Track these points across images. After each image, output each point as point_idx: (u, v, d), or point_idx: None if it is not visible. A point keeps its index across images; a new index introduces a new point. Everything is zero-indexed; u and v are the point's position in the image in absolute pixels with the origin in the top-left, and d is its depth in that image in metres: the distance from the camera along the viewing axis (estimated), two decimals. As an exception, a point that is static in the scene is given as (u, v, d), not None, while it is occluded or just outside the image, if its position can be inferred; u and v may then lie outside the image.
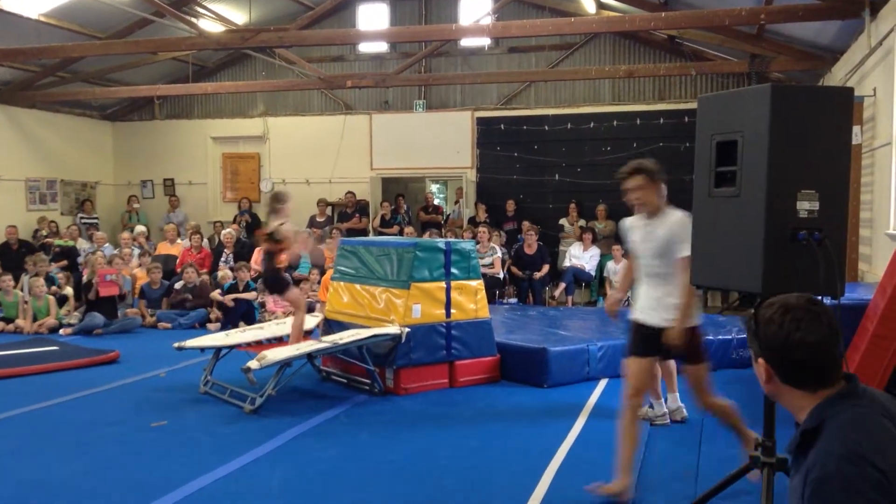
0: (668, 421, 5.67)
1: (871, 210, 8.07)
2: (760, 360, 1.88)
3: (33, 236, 13.52)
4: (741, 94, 3.75)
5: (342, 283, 7.65)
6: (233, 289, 10.62)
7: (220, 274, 11.20)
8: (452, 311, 6.99)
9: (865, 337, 5.03)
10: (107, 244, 12.87)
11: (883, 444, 1.66)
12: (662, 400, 5.70)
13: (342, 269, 7.76)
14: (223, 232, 13.04)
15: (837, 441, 1.69)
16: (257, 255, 12.32)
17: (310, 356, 6.49)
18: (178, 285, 10.96)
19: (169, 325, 10.40)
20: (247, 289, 10.59)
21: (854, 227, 8.29)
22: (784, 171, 3.36)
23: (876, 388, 4.91)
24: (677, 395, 5.79)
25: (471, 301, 7.12)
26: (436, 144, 14.60)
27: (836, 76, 10.03)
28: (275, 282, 7.06)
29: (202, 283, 10.93)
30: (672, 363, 5.81)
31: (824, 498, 1.63)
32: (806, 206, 3.37)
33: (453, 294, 7.01)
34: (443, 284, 6.98)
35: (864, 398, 1.81)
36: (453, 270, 7.05)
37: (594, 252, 12.27)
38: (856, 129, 8.01)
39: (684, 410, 5.75)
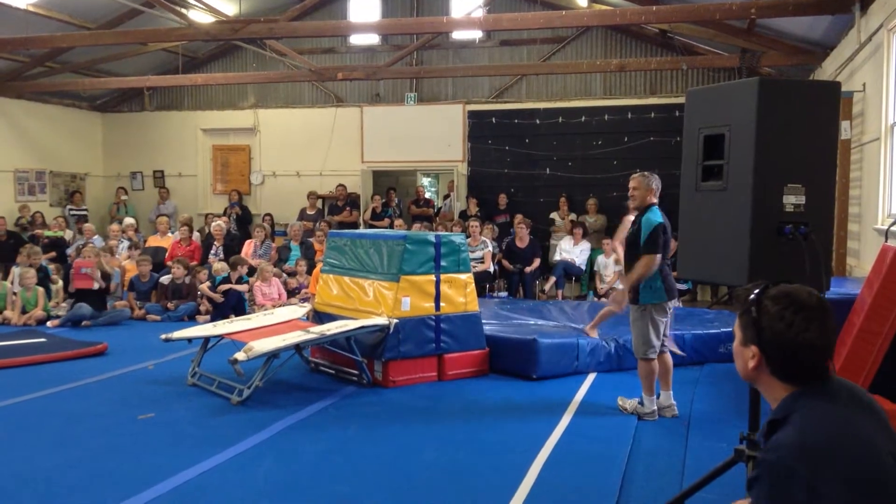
0: (657, 417, 5.66)
1: (859, 205, 8.09)
2: (754, 349, 1.86)
3: (16, 224, 13.45)
4: (729, 87, 3.75)
5: (332, 276, 7.64)
6: (225, 282, 10.58)
7: (214, 266, 11.14)
8: (442, 304, 6.98)
9: (852, 332, 5.04)
10: (96, 236, 12.80)
11: (837, 444, 1.67)
12: (655, 396, 5.68)
13: (332, 261, 7.75)
14: (213, 224, 12.99)
15: (794, 434, 1.70)
16: (247, 248, 12.30)
17: (298, 347, 6.47)
18: (164, 279, 10.88)
19: (158, 318, 10.35)
20: (239, 282, 10.55)
21: (843, 222, 8.31)
22: (771, 164, 3.36)
23: (862, 383, 4.91)
24: (671, 392, 5.77)
25: (460, 294, 7.11)
26: (427, 137, 14.58)
27: (826, 71, 10.05)
28: None
29: (191, 280, 10.84)
30: (669, 358, 5.79)
31: (761, 482, 1.68)
32: (792, 200, 3.38)
33: (443, 287, 7.01)
34: (432, 277, 6.97)
35: (837, 393, 1.81)
36: (443, 263, 7.04)
37: (584, 246, 12.28)
38: (845, 124, 8.03)
39: (675, 408, 5.72)
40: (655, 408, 5.65)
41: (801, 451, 1.66)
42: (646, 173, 5.66)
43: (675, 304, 5.83)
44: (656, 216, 5.42)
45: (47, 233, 12.94)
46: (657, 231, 5.35)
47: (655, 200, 5.56)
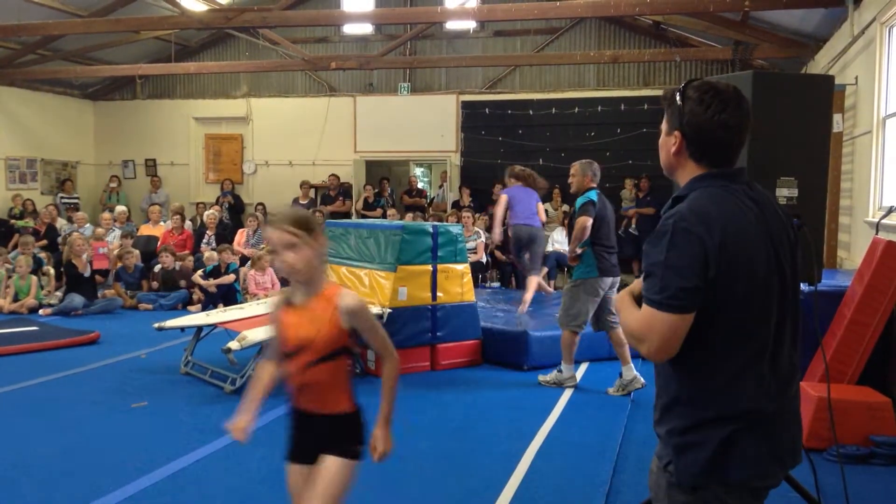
0: (576, 383, 6.29)
1: (850, 198, 8.14)
2: (676, 134, 2.01)
3: (9, 214, 13.39)
4: (723, 80, 3.76)
5: (328, 265, 7.63)
6: (215, 271, 10.57)
7: (205, 255, 11.13)
8: (438, 294, 7.00)
9: (843, 323, 5.09)
10: (87, 224, 12.76)
11: (716, 217, 1.87)
12: (572, 365, 6.31)
13: (329, 250, 7.74)
14: (205, 213, 12.96)
15: (685, 208, 1.91)
16: (240, 237, 12.28)
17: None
18: (156, 268, 10.86)
19: (150, 307, 10.34)
20: (228, 271, 10.54)
21: (833, 215, 8.35)
22: (764, 157, 3.39)
23: (853, 373, 4.94)
24: (632, 365, 6.07)
25: (457, 285, 7.13)
26: (420, 128, 14.56)
27: (819, 64, 10.08)
28: None
29: (182, 267, 10.83)
30: (621, 333, 5.92)
31: (653, 240, 1.91)
32: (785, 192, 3.41)
33: (439, 277, 7.02)
34: (429, 267, 6.99)
35: (734, 182, 1.97)
36: (440, 254, 7.05)
37: (577, 237, 12.28)
38: (837, 117, 8.05)
39: (641, 379, 6.02)
40: (574, 374, 6.32)
41: (685, 217, 1.87)
42: (584, 161, 6.26)
43: (615, 282, 6.11)
44: (590, 195, 6.08)
45: (20, 223, 12.82)
46: (587, 204, 6.02)
47: (593, 185, 6.18)
